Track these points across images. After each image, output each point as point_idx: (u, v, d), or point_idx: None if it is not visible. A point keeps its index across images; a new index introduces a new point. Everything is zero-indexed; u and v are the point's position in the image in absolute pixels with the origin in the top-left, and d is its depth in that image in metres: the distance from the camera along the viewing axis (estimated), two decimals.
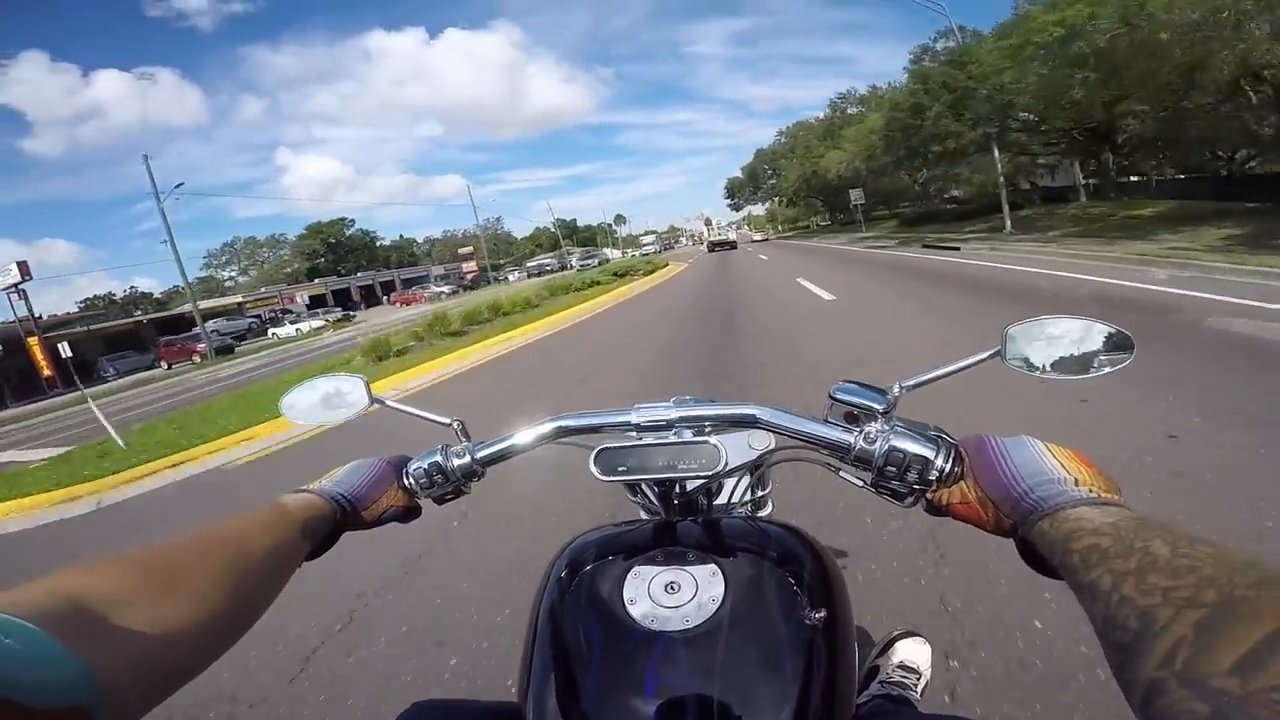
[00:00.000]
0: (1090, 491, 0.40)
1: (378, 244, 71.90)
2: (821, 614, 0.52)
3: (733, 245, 38.33)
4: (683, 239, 68.61)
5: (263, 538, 0.47)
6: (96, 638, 0.30)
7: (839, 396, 0.55)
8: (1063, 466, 0.43)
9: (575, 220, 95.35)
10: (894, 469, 0.51)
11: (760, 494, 0.80)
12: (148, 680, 0.32)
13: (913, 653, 1.26)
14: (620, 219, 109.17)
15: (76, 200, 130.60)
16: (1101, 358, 0.55)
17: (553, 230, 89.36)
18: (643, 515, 0.71)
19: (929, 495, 0.50)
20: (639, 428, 0.60)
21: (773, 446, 0.61)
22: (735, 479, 0.72)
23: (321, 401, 0.73)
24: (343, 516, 0.57)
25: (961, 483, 0.48)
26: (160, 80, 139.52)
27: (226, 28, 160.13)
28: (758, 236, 61.79)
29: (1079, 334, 0.55)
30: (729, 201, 68.15)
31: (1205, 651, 0.24)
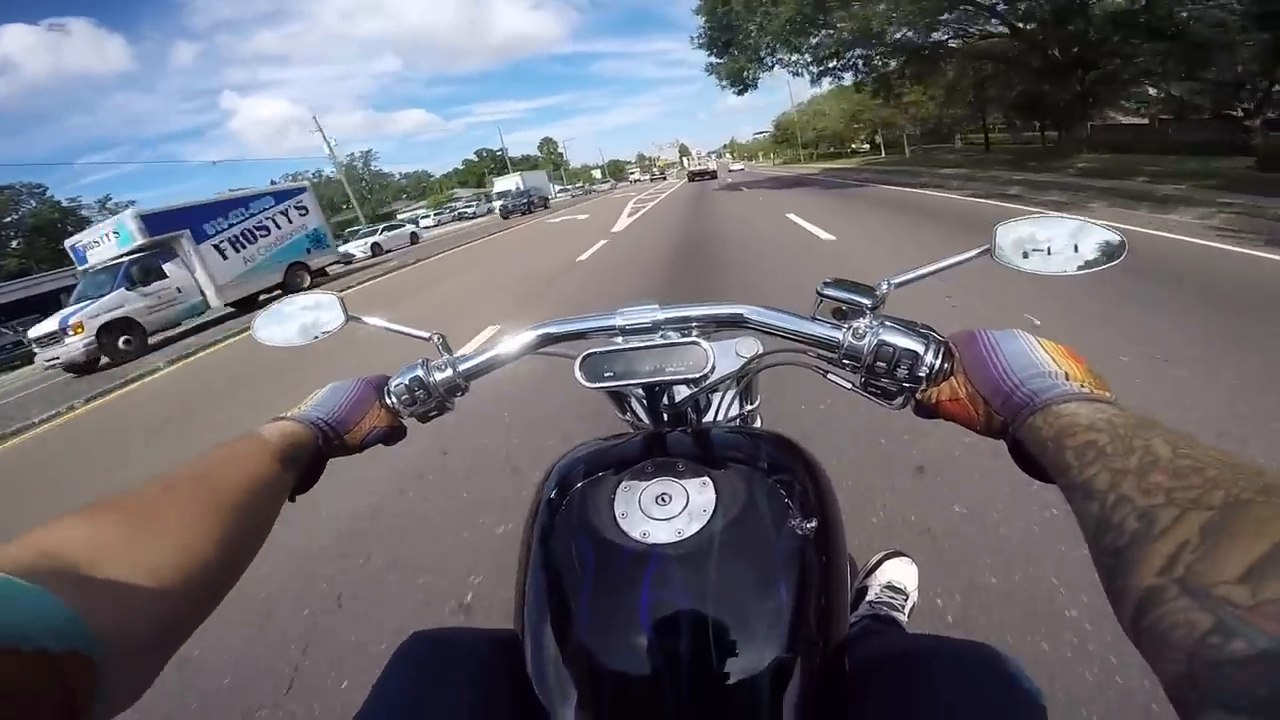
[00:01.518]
0: (1083, 387, 0.39)
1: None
2: (813, 524, 0.52)
3: (712, 175, 40.30)
4: (652, 170, 60.22)
5: (241, 473, 0.44)
6: (77, 584, 0.29)
7: (827, 293, 0.54)
8: (1054, 361, 0.42)
9: (505, 152, 78.83)
10: (883, 365, 0.50)
11: (749, 408, 0.79)
12: (141, 630, 0.31)
13: (900, 573, 1.29)
14: (548, 143, 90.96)
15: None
16: (1091, 256, 0.54)
17: (479, 163, 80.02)
18: (631, 432, 0.71)
19: (918, 395, 0.49)
20: (623, 331, 0.58)
21: (760, 352, 0.60)
22: (723, 392, 0.71)
23: (295, 322, 0.71)
24: (325, 442, 0.55)
25: (951, 379, 0.47)
26: (82, 28, 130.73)
27: None
28: (735, 166, 60.16)
29: (1070, 232, 0.54)
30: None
31: (1211, 557, 0.23)
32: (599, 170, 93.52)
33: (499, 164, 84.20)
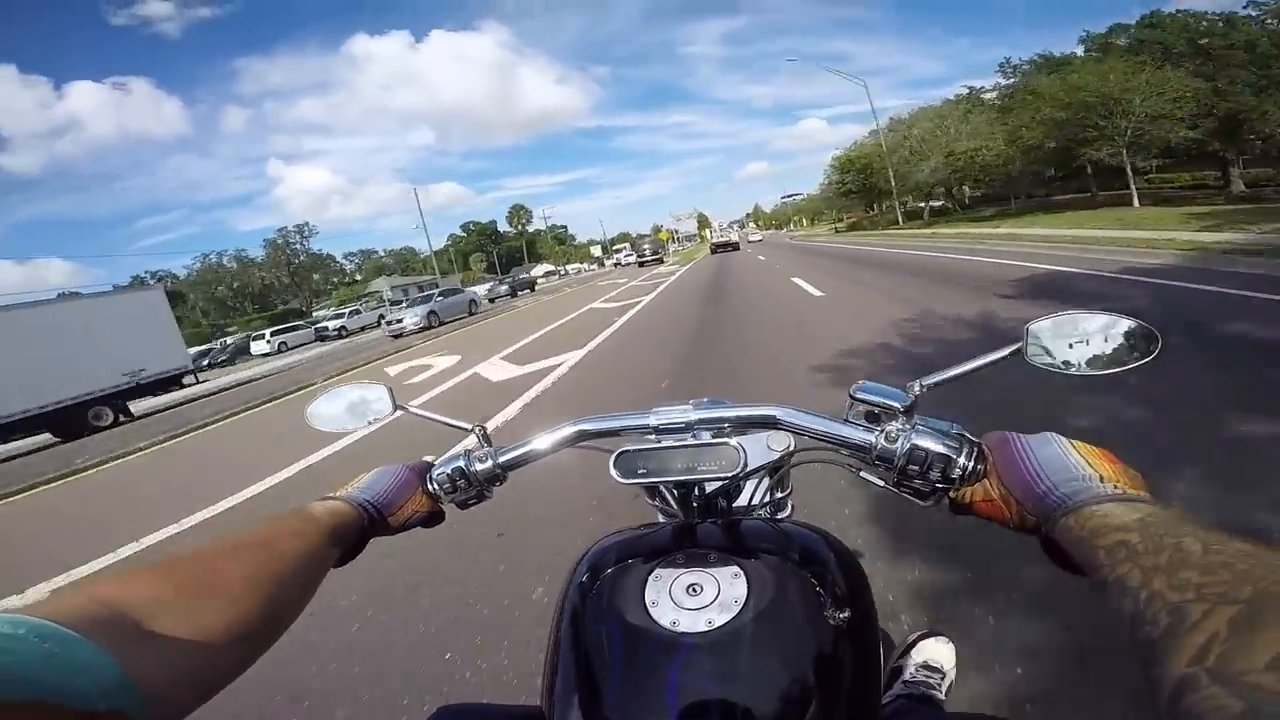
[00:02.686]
0: (1116, 488, 0.40)
1: None
2: (845, 614, 0.52)
3: (735, 247, 36.96)
4: (641, 250, 42.43)
5: (292, 544, 0.47)
6: (134, 643, 0.31)
7: (859, 396, 0.55)
8: (1088, 464, 0.43)
9: (494, 223, 72.83)
10: (916, 468, 0.50)
11: (780, 495, 0.79)
12: (185, 685, 0.33)
13: (936, 653, 1.25)
14: (520, 211, 77.16)
15: (68, 218, 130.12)
16: (1125, 351, 0.55)
17: (467, 238, 70.65)
18: (661, 519, 0.72)
19: (951, 494, 0.50)
20: (657, 430, 0.60)
21: (792, 448, 0.61)
22: (755, 481, 0.72)
23: (347, 410, 0.74)
24: (369, 523, 0.58)
25: (985, 480, 0.48)
26: (137, 91, 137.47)
27: (201, 39, 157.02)
28: (754, 237, 57.80)
29: (1102, 328, 0.55)
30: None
31: (1240, 648, 0.24)
32: (598, 246, 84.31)
33: (491, 238, 75.04)
